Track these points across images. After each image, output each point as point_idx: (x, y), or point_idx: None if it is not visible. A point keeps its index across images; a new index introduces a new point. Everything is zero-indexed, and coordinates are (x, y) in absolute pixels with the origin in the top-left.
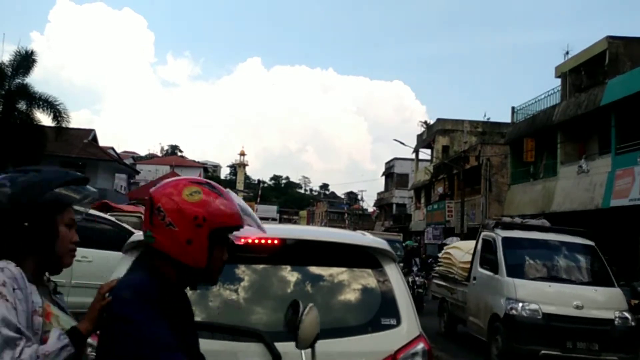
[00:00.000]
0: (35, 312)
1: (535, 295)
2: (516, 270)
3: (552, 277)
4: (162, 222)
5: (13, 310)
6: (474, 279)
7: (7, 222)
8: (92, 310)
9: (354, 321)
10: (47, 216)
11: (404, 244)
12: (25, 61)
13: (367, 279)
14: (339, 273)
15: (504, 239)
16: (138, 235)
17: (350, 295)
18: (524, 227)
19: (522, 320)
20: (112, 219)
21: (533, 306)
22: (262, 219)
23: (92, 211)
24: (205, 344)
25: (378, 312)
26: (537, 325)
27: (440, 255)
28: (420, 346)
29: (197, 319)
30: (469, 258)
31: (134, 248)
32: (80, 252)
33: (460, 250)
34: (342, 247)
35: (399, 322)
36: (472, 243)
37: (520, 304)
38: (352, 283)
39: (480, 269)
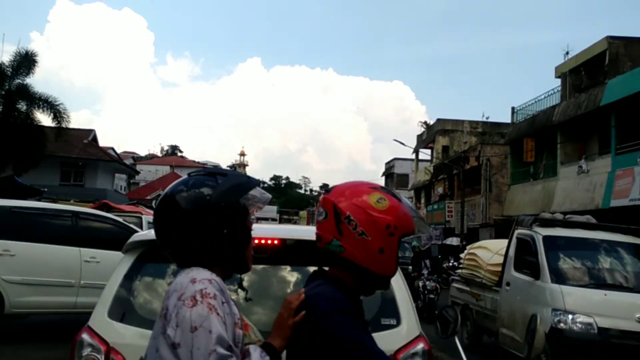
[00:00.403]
0: (236, 324)
1: (587, 306)
2: (562, 275)
3: (607, 283)
4: (354, 232)
5: (224, 325)
6: (507, 284)
7: (207, 226)
8: (284, 327)
9: None
10: (243, 221)
11: (412, 245)
12: (25, 61)
13: None
14: None
15: (546, 238)
16: (138, 235)
17: None
18: (566, 224)
19: (573, 335)
20: (120, 219)
21: (586, 319)
22: (262, 219)
23: (98, 212)
24: None
25: (378, 312)
26: (591, 342)
27: (462, 255)
28: (420, 346)
29: None
30: (499, 260)
31: (134, 248)
32: (89, 252)
33: (488, 251)
34: None
35: (398, 322)
36: (501, 242)
37: (570, 316)
38: None
39: (515, 273)
